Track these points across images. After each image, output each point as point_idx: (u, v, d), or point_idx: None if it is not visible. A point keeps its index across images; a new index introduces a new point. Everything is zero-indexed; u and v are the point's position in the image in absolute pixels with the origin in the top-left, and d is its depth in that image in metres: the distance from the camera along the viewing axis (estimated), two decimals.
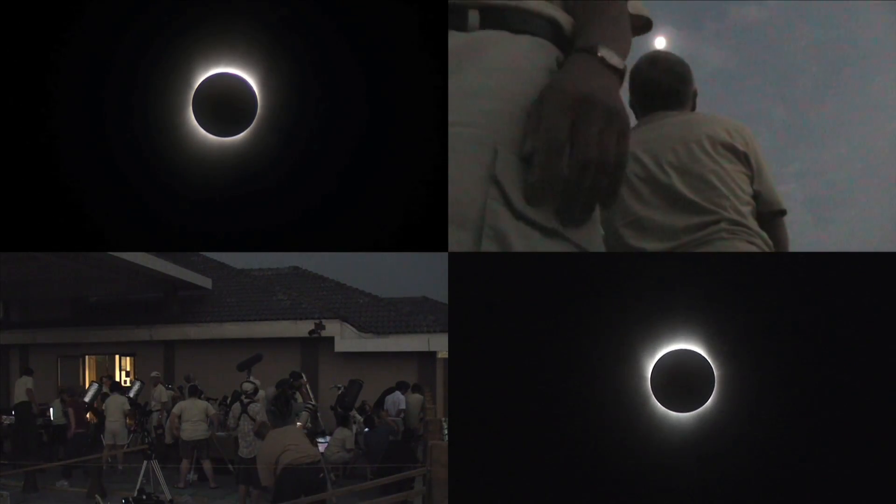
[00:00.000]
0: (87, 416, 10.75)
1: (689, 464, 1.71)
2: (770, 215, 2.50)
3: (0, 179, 1.60)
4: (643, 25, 1.85)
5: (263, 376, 9.75)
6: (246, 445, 8.13)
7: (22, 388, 10.92)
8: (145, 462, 7.71)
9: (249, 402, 8.28)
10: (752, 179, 2.47)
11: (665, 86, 2.63)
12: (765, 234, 2.39)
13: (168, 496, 7.56)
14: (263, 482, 6.79)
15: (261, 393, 8.68)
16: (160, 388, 11.12)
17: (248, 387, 8.52)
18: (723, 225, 2.31)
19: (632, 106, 2.70)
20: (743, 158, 2.46)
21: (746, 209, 2.39)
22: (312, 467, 6.59)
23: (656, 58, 2.71)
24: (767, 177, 2.51)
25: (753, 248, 2.32)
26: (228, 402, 9.43)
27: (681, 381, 1.69)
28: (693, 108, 2.69)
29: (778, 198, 2.53)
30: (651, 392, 1.71)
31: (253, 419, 8.13)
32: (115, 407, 9.88)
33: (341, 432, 9.27)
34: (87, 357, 15.36)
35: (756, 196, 2.46)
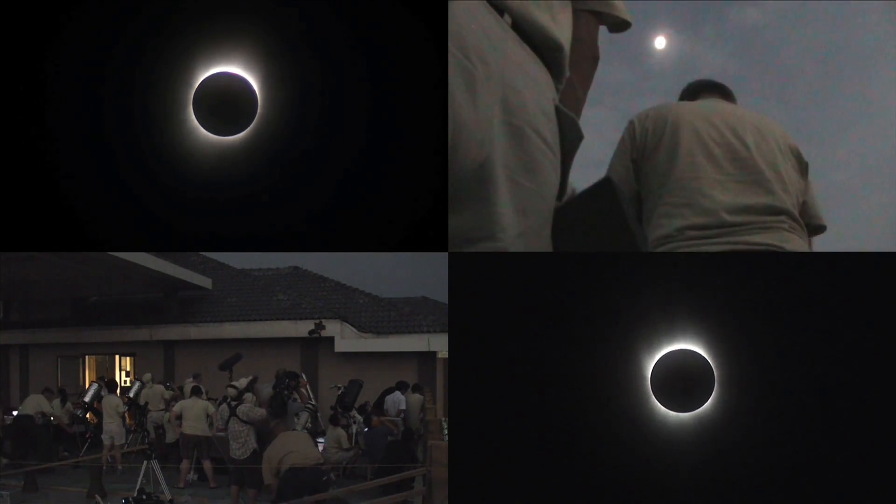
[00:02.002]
0: (88, 416, 10.75)
1: (688, 464, 1.71)
2: (808, 228, 2.49)
3: (0, 179, 1.60)
4: (622, 23, 1.91)
5: (264, 377, 9.76)
6: (238, 447, 8.15)
7: (34, 403, 10.58)
8: (145, 462, 7.72)
9: (237, 405, 8.29)
10: (804, 190, 2.46)
11: (716, 82, 2.62)
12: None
13: (168, 496, 7.56)
14: (265, 481, 6.97)
15: (248, 395, 8.68)
16: (157, 388, 11.10)
17: (231, 391, 8.54)
18: (785, 217, 2.29)
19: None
20: (804, 169, 2.45)
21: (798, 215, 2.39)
22: (316, 471, 6.76)
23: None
24: (813, 190, 2.50)
25: (805, 246, 2.31)
26: (218, 403, 9.46)
27: (681, 381, 1.69)
28: None
29: (820, 212, 2.51)
30: (651, 392, 1.71)
31: (244, 421, 8.15)
32: (111, 408, 9.89)
33: (334, 431, 9.27)
34: (87, 357, 15.36)
35: (802, 206, 2.44)
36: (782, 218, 2.27)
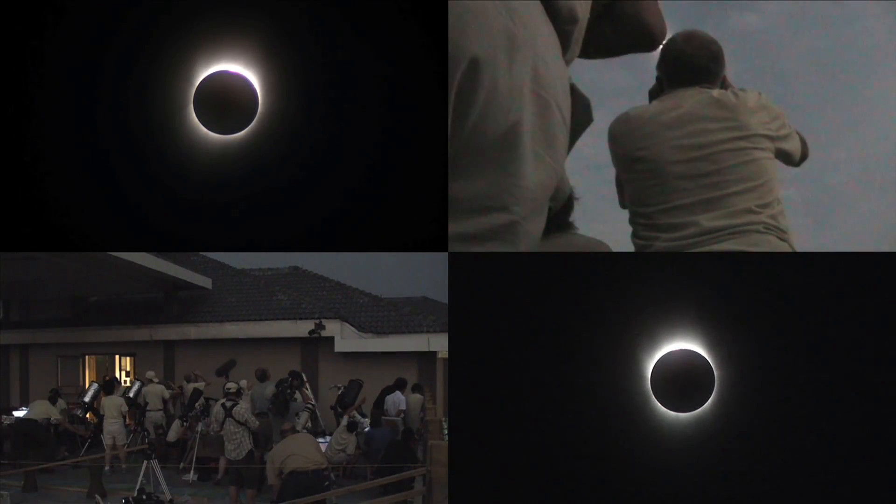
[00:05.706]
0: (87, 416, 10.74)
1: (688, 463, 1.71)
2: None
3: None
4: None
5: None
6: (233, 448, 8.16)
7: (42, 409, 10.45)
8: (145, 462, 7.73)
9: (233, 405, 8.30)
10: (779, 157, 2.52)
11: (697, 61, 2.57)
12: (791, 238, 2.40)
13: (168, 496, 7.57)
14: (269, 481, 7.10)
15: (245, 395, 8.71)
16: (155, 387, 11.09)
17: (231, 386, 8.56)
18: (761, 221, 2.32)
19: (658, 79, 2.65)
20: (778, 141, 2.48)
21: (780, 198, 2.42)
22: (317, 475, 6.84)
23: (692, 34, 2.64)
24: (793, 143, 2.54)
25: (785, 246, 2.32)
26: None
27: (681, 381, 1.69)
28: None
29: (797, 153, 2.58)
30: (651, 392, 1.71)
31: (239, 422, 8.17)
32: (113, 408, 9.90)
33: (349, 437, 9.26)
34: (87, 357, 15.35)
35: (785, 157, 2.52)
36: (756, 225, 2.32)
